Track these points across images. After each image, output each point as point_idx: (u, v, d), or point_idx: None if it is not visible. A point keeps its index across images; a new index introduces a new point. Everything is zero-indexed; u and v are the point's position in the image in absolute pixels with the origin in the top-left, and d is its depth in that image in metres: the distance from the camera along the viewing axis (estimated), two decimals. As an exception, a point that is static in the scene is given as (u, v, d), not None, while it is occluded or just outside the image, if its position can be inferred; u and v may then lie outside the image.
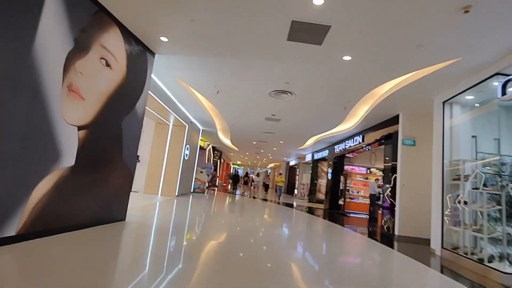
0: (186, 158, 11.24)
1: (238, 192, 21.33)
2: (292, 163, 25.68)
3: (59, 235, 3.64)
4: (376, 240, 6.77)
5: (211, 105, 9.46)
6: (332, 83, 6.06)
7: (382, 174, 12.92)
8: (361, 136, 9.93)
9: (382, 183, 8.75)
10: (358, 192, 13.00)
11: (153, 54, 5.42)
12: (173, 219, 6.52)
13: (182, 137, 10.86)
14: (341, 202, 12.18)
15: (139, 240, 4.31)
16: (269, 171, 46.19)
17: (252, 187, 23.53)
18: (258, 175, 26.17)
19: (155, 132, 10.81)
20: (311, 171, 18.14)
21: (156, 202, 8.59)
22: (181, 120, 10.18)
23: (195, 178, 13.57)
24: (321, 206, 15.24)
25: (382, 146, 8.71)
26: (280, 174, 17.23)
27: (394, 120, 7.67)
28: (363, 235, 7.41)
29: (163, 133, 10.80)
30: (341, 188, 12.27)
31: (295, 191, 22.11)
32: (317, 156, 16.61)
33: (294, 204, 15.85)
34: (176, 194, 10.55)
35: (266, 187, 22.24)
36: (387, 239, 6.80)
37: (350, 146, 11.00)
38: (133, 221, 5.20)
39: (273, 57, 5.13)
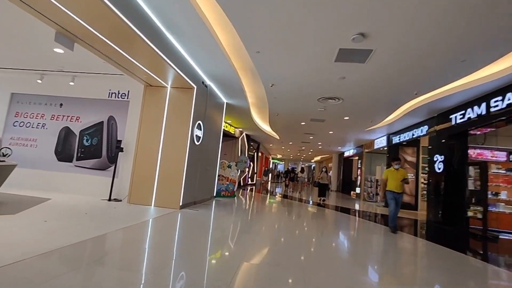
0: (197, 143, 6.78)
1: (279, 190, 16.60)
2: (348, 153, 20.18)
3: None
4: None
5: (231, 39, 4.82)
6: None
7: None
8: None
9: None
10: (496, 195, 7.37)
11: None
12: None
13: (189, 106, 6.39)
14: (472, 213, 6.75)
15: None
16: (314, 165, 40.71)
17: (301, 184, 18.63)
18: (302, 170, 21.14)
19: (144, 100, 6.50)
20: (386, 162, 12.69)
21: (133, 232, 4.16)
22: (184, 76, 5.73)
23: (218, 175, 9.10)
24: (412, 215, 9.83)
25: None
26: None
27: None
28: None
29: (156, 102, 6.46)
30: (472, 188, 6.83)
31: (357, 189, 16.69)
32: (398, 138, 11.15)
33: (357, 207, 10.63)
34: (180, 204, 6.13)
35: (321, 188, 12.66)
36: None
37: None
38: None
39: None
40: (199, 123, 6.78)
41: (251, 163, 18.15)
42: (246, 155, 15.73)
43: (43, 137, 7.19)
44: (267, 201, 10.72)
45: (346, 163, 21.57)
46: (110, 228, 3.99)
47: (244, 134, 15.67)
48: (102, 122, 7.03)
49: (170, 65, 5.19)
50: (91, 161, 6.94)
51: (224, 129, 10.86)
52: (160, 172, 6.18)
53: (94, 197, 6.40)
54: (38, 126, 7.26)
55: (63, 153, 7.07)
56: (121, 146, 6.55)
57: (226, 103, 9.13)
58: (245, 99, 8.50)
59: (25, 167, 6.91)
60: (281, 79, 6.60)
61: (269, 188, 19.87)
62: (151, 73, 5.73)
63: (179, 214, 5.64)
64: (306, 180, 24.48)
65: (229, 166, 9.73)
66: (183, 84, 6.26)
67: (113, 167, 6.57)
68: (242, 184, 15.90)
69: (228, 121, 12.39)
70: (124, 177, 6.59)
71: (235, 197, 9.81)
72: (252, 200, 10.64)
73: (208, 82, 7.16)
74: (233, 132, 13.52)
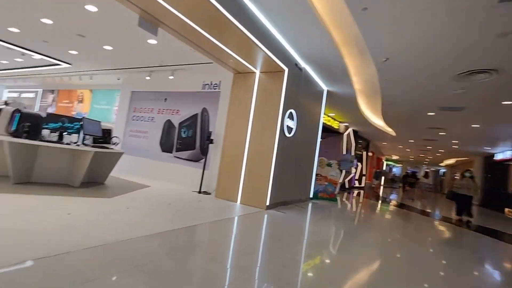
0: (288, 135, 5.86)
1: (393, 197, 13.71)
2: (501, 156, 15.00)
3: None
4: None
5: (335, 11, 3.66)
6: None
7: None
8: None
9: None
10: None
11: None
12: None
13: (279, 92, 5.55)
14: None
15: None
16: (443, 170, 33.19)
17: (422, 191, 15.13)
18: (426, 175, 17.18)
19: (233, 88, 6.08)
20: None
21: (201, 231, 3.67)
22: (273, 57, 4.94)
23: (316, 175, 7.92)
24: None
25: None
26: None
27: None
28: None
29: (245, 89, 5.91)
30: None
31: (516, 206, 11.99)
32: None
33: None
34: (267, 204, 5.36)
35: (462, 201, 8.01)
36: None
37: None
38: None
39: None
40: (290, 112, 5.84)
41: (359, 163, 15.91)
42: (353, 154, 13.78)
43: (152, 129, 7.90)
44: (377, 210, 8.77)
45: (495, 169, 16.11)
46: (182, 224, 3.58)
47: (350, 129, 13.78)
48: (197, 114, 7.09)
49: (257, 45, 4.48)
50: (186, 152, 7.11)
51: (325, 123, 9.59)
52: (247, 166, 5.60)
53: (187, 188, 6.45)
54: (148, 120, 8.04)
55: (166, 144, 7.54)
56: (211, 138, 6.36)
57: (327, 91, 7.83)
58: (350, 84, 7.00)
59: (138, 156, 7.73)
60: (397, 50, 4.88)
61: (380, 193, 17.01)
62: (238, 57, 5.17)
63: (263, 216, 4.87)
64: (431, 187, 19.93)
65: (329, 165, 8.39)
66: (273, 67, 5.45)
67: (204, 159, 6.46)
68: (347, 186, 14.04)
69: (331, 114, 10.95)
70: (215, 170, 6.38)
71: (336, 201, 8.38)
72: (358, 206, 8.92)
73: (302, 64, 6.13)
74: (336, 127, 11.97)
